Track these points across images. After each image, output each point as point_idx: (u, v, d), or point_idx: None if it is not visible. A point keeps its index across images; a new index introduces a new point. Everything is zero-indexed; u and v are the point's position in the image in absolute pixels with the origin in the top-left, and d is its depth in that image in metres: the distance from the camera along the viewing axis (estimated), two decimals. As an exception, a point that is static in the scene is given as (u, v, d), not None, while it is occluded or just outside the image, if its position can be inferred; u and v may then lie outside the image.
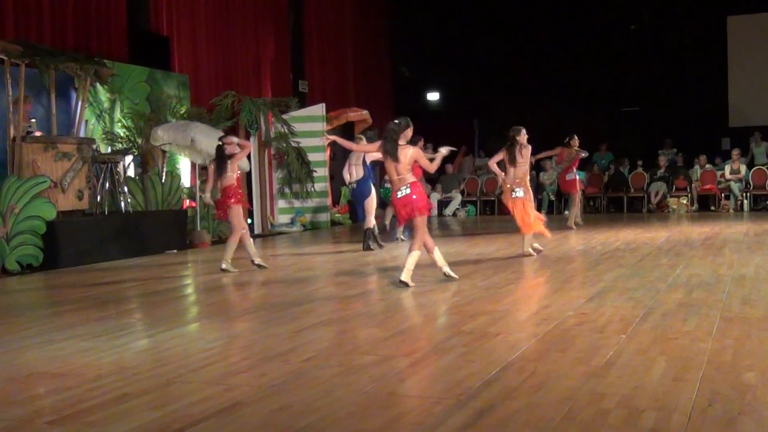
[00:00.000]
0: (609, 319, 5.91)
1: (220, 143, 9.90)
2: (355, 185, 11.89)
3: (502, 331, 5.68)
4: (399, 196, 7.91)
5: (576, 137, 14.76)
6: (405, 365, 4.77)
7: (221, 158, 9.74)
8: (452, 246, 12.20)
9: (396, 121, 7.99)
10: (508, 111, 21.57)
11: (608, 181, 19.97)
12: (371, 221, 11.79)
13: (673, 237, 12.49)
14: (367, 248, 11.58)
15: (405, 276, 7.82)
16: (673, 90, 21.17)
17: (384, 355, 5.05)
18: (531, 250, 10.29)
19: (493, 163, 10.62)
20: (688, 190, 19.07)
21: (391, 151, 7.87)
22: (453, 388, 4.24)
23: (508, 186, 10.34)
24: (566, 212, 15.22)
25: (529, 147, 10.41)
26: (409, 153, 7.90)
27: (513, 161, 10.25)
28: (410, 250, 7.92)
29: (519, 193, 10.24)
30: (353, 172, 11.84)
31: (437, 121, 23.73)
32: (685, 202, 18.89)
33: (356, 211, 11.99)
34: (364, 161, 11.84)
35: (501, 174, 10.60)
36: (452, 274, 8.17)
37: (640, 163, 20.10)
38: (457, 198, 20.27)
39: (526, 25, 22.23)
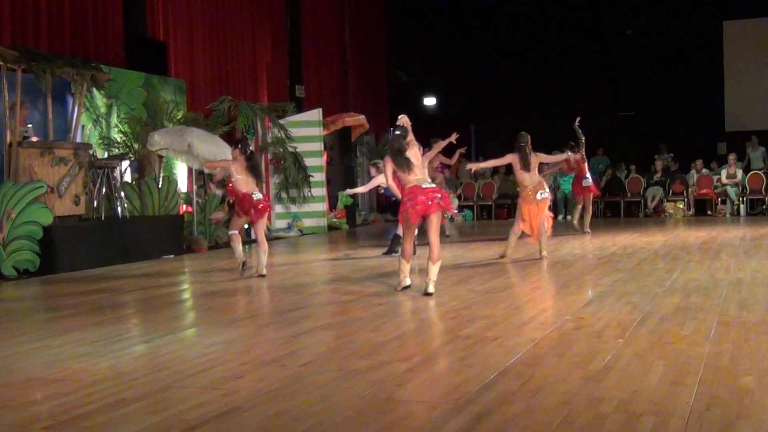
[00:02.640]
0: (606, 324, 5.91)
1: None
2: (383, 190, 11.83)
3: (500, 335, 5.68)
4: (425, 186, 7.58)
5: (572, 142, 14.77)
6: (402, 370, 4.76)
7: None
8: (449, 250, 12.19)
9: (398, 133, 7.75)
10: (504, 116, 21.63)
11: (605, 186, 19.98)
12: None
13: (669, 241, 12.50)
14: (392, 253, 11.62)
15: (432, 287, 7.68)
16: (669, 95, 21.22)
17: (381, 359, 5.05)
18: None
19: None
20: (685, 194, 19.09)
21: (405, 163, 7.64)
22: (451, 392, 4.23)
23: (530, 191, 10.28)
24: (570, 217, 15.07)
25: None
26: (418, 153, 7.81)
27: (527, 166, 10.27)
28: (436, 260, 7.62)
29: (545, 194, 10.31)
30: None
31: (434, 126, 23.70)
32: (681, 206, 18.91)
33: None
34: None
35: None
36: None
37: (632, 167, 20.14)
38: (454, 202, 20.26)
39: (523, 30, 22.27)
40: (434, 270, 7.61)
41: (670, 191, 19.29)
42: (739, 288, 7.48)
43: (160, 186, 13.46)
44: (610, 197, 19.86)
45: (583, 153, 14.32)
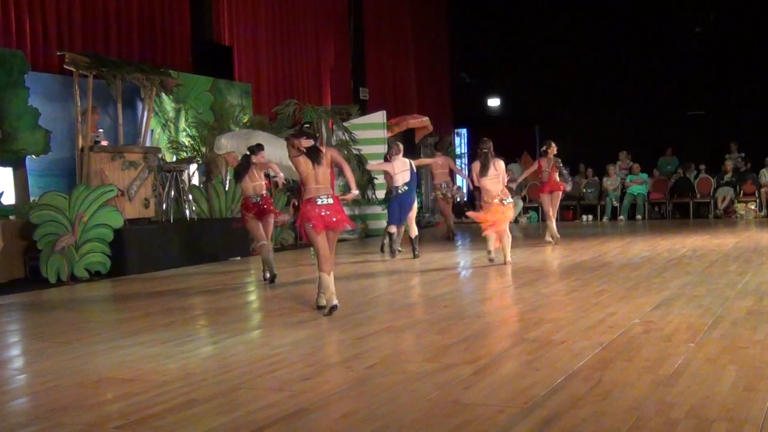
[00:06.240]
0: (676, 328, 5.80)
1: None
2: (405, 189, 11.86)
3: (567, 339, 5.61)
4: (321, 203, 6.93)
5: (553, 144, 14.14)
6: (469, 373, 4.74)
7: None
8: (514, 253, 12.09)
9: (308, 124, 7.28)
10: (570, 116, 21.39)
11: (674, 186, 19.63)
12: (415, 229, 12.05)
13: (741, 243, 12.22)
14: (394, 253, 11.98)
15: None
16: (739, 93, 20.71)
17: (447, 362, 5.03)
18: None
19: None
20: (757, 195, 18.63)
21: (316, 156, 6.90)
22: (518, 396, 4.21)
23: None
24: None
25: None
26: (329, 156, 7.04)
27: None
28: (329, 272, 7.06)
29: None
30: (400, 178, 11.83)
31: (498, 128, 23.57)
32: (753, 207, 18.45)
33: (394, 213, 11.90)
34: (411, 167, 11.88)
35: None
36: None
37: (702, 167, 19.74)
38: (519, 204, 20.10)
39: (588, 29, 21.97)
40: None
41: (741, 192, 18.86)
42: (814, 291, 7.28)
43: (227, 189, 13.63)
44: (678, 198, 19.50)
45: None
